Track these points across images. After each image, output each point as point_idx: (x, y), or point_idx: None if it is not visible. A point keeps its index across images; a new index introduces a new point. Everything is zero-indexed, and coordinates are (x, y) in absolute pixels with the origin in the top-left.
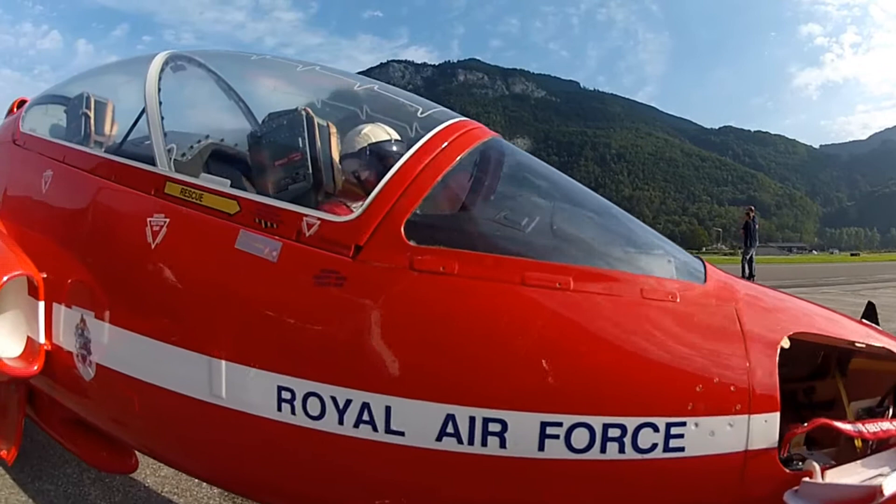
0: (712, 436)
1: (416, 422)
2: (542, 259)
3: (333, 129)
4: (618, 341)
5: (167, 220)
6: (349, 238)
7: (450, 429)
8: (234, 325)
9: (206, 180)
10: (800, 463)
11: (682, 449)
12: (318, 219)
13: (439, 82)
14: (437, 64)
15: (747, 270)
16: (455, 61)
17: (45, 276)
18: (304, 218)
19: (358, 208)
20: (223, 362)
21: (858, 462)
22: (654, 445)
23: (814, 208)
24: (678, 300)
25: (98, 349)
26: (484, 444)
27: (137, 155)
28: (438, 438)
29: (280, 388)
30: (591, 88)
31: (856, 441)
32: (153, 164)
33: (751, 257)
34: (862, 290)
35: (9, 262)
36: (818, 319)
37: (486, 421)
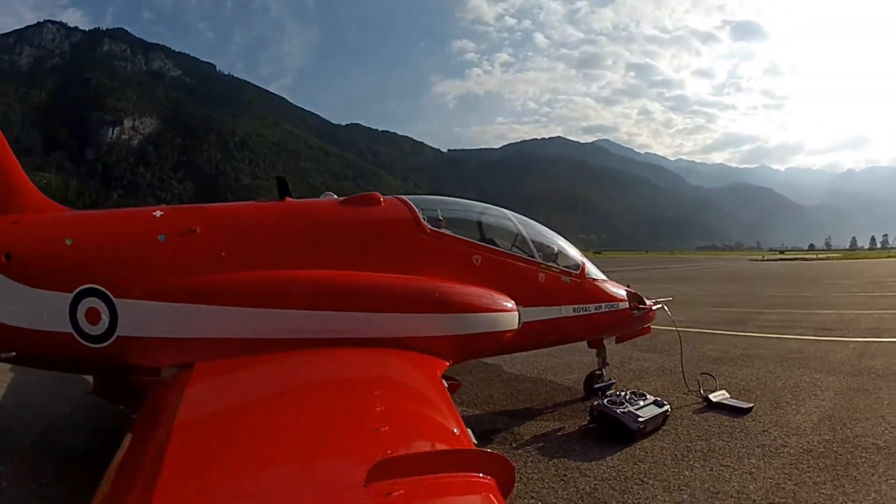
0: (622, 304)
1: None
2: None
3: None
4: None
5: (543, 275)
6: (579, 277)
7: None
8: (550, 293)
9: (554, 267)
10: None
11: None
12: (572, 272)
13: (85, 49)
14: (87, 30)
15: None
16: (104, 29)
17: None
18: (572, 272)
19: (575, 270)
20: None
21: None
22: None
23: None
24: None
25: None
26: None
27: (521, 254)
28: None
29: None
30: (227, 73)
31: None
32: (532, 256)
33: None
34: None
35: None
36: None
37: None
